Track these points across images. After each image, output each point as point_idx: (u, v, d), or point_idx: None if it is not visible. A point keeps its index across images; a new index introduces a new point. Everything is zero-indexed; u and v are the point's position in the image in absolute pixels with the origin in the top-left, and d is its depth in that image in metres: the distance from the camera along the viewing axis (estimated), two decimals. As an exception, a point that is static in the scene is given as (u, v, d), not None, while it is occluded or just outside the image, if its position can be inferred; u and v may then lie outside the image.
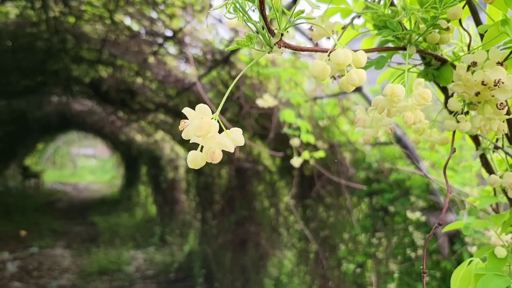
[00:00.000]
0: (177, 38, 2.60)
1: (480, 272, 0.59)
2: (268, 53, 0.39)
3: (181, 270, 6.11)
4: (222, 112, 3.45)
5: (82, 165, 21.65)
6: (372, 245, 2.87)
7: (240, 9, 0.37)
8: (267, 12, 0.38)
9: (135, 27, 2.76)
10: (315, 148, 2.58)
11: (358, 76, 0.40)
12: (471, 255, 2.10)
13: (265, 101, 1.82)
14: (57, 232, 8.17)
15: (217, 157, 0.35)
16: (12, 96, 4.87)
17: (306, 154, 1.86)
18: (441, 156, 2.49)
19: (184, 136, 0.36)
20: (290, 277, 4.58)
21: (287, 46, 0.38)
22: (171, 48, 2.96)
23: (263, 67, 2.69)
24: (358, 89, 2.06)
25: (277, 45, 0.39)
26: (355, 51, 0.40)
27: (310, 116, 2.77)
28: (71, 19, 2.78)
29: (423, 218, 2.34)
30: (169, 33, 2.61)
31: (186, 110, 0.36)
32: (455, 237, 2.21)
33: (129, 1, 2.31)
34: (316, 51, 0.43)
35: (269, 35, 0.38)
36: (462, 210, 2.24)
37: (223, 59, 2.57)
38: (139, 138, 7.44)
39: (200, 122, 0.34)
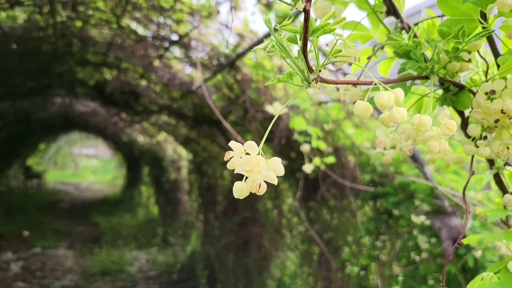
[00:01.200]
0: (183, 42, 2.62)
1: (494, 287, 0.61)
2: (306, 87, 0.41)
3: (184, 271, 6.13)
4: (226, 115, 3.47)
5: (84, 165, 21.69)
6: (376, 248, 2.89)
7: (281, 48, 0.39)
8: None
9: (142, 31, 2.78)
10: (320, 152, 2.60)
11: (400, 115, 0.42)
12: (475, 260, 2.12)
13: (274, 109, 1.84)
14: (59, 232, 8.19)
15: (263, 189, 0.37)
16: (17, 97, 4.89)
17: (317, 160, 1.88)
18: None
19: (229, 166, 0.38)
20: (293, 279, 4.60)
21: (324, 81, 0.41)
22: (177, 51, 2.98)
23: (269, 71, 2.71)
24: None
25: (314, 80, 0.41)
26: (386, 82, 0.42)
27: (315, 120, 2.79)
28: (78, 23, 2.80)
29: (427, 222, 2.36)
30: (175, 37, 2.63)
31: (232, 144, 0.39)
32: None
33: (137, 6, 2.33)
34: (356, 84, 0.45)
35: (308, 71, 0.39)
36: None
37: (229, 63, 2.59)
38: (141, 139, 7.46)
39: (249, 158, 0.37)
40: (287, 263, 4.87)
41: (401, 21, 0.52)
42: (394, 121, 0.42)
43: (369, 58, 0.52)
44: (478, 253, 2.08)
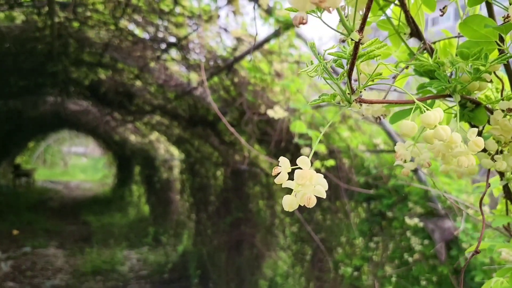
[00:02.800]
0: (181, 44, 2.63)
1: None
2: (347, 108, 0.44)
3: (175, 270, 6.13)
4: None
5: (73, 163, 21.47)
6: (370, 249, 2.93)
7: (326, 71, 0.42)
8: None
9: (139, 33, 2.78)
10: (315, 154, 2.64)
11: (445, 132, 0.44)
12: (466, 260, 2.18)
13: (275, 113, 1.87)
14: (50, 231, 8.11)
15: (313, 203, 0.38)
16: (9, 96, 4.84)
17: (317, 163, 1.92)
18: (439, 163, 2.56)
19: (277, 181, 0.40)
20: (285, 279, 4.64)
21: (364, 101, 0.44)
22: (174, 53, 2.99)
23: (266, 74, 2.74)
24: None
25: (355, 101, 0.44)
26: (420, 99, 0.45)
27: (311, 122, 2.83)
28: (76, 24, 2.79)
29: (420, 224, 2.41)
30: (173, 39, 2.64)
31: (281, 160, 0.41)
32: (452, 243, 2.29)
33: (137, 9, 2.34)
34: (397, 103, 0.48)
35: (350, 93, 0.43)
36: (459, 216, 2.31)
37: (227, 66, 2.61)
38: (133, 138, 7.43)
39: (302, 172, 0.38)
40: (279, 263, 4.91)
41: (424, 43, 0.55)
42: (440, 139, 0.45)
43: (394, 77, 0.56)
44: (470, 255, 2.13)
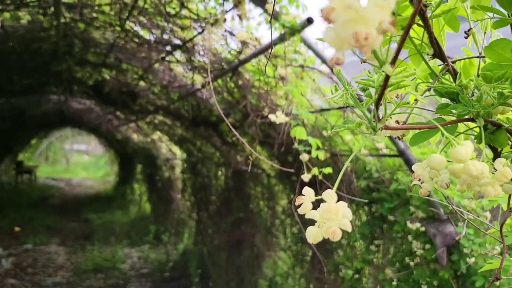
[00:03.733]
0: (186, 47, 2.64)
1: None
2: (372, 135, 0.44)
3: (176, 269, 6.16)
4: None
5: (75, 161, 21.52)
6: (370, 252, 2.95)
7: (353, 99, 0.43)
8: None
9: (145, 34, 2.80)
10: (317, 158, 2.65)
11: (475, 168, 0.43)
12: (468, 266, 2.20)
13: (277, 118, 1.89)
14: (51, 229, 8.14)
15: (338, 236, 0.38)
16: (12, 95, 4.86)
17: (315, 171, 1.93)
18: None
19: (301, 211, 0.40)
20: (285, 279, 4.67)
21: (390, 128, 0.44)
22: (179, 55, 3.00)
23: (270, 77, 2.75)
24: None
25: (381, 129, 0.44)
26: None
27: (314, 126, 2.85)
28: (81, 25, 2.80)
29: (422, 228, 2.42)
30: (178, 41, 2.66)
31: (305, 190, 0.41)
32: (453, 248, 2.30)
33: (142, 11, 2.35)
34: (422, 128, 0.48)
35: (376, 121, 0.43)
36: (461, 222, 2.33)
37: (232, 69, 2.63)
38: (135, 137, 7.45)
39: (328, 206, 0.38)
40: (279, 264, 4.93)
41: (447, 64, 0.56)
42: (469, 175, 0.43)
43: (416, 101, 0.56)
44: (471, 260, 2.15)
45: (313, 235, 0.39)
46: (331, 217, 0.37)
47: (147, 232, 7.60)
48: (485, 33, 0.68)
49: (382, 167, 2.89)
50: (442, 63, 0.59)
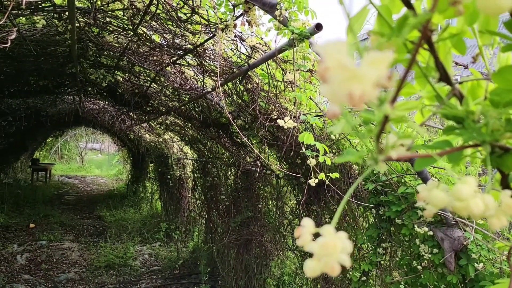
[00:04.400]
0: (197, 51, 2.69)
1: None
2: (373, 166, 0.44)
3: (186, 266, 6.24)
4: (234, 120, 3.56)
5: (89, 159, 21.85)
6: (378, 254, 2.97)
7: (355, 130, 0.43)
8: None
9: (157, 38, 2.85)
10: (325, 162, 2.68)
11: (478, 208, 0.41)
12: (477, 271, 2.21)
13: (285, 123, 1.92)
14: (65, 225, 8.31)
15: (337, 271, 0.36)
16: (29, 95, 4.98)
17: (322, 175, 1.96)
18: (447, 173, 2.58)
19: (299, 243, 0.38)
20: (293, 278, 4.70)
21: (391, 159, 0.43)
22: (190, 58, 3.06)
23: (279, 81, 2.78)
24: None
25: (382, 161, 0.43)
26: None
27: (322, 128, 2.87)
28: (95, 30, 2.88)
29: (430, 233, 2.43)
30: (189, 46, 2.70)
31: (304, 222, 0.39)
32: (461, 252, 2.31)
33: (155, 16, 2.41)
34: (423, 157, 0.47)
35: (378, 153, 0.43)
36: (469, 227, 2.34)
37: (242, 73, 2.67)
38: (147, 136, 7.55)
39: (326, 242, 0.36)
40: (287, 263, 4.97)
41: (454, 89, 0.54)
42: (470, 214, 0.42)
43: (421, 124, 0.56)
44: (480, 265, 2.16)
45: (311, 269, 0.36)
46: (329, 253, 0.36)
47: (158, 230, 7.70)
48: (493, 53, 0.67)
49: (389, 170, 2.90)
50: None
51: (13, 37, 1.32)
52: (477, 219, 0.48)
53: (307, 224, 0.38)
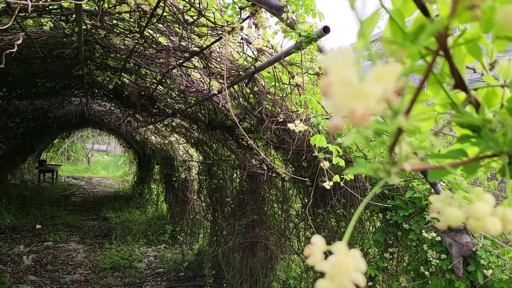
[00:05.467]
0: (203, 53, 2.69)
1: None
2: (386, 178, 0.42)
3: (191, 269, 6.23)
4: (240, 122, 3.55)
5: (95, 160, 21.98)
6: (385, 259, 2.93)
7: (367, 142, 0.42)
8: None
9: (163, 41, 2.86)
10: (333, 165, 2.66)
11: (494, 228, 0.39)
12: (485, 277, 2.17)
13: (295, 126, 1.91)
14: (71, 227, 8.34)
15: None
16: (36, 97, 5.02)
17: (337, 177, 1.95)
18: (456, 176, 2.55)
19: (310, 263, 0.37)
20: (298, 282, 4.67)
21: (405, 171, 0.41)
22: (196, 61, 3.05)
23: (286, 84, 2.77)
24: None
25: (395, 173, 0.41)
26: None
27: (329, 132, 2.85)
28: (102, 32, 2.88)
29: (438, 238, 2.40)
30: (196, 48, 2.70)
31: (314, 239, 0.38)
32: (470, 258, 2.28)
33: (161, 18, 2.41)
34: (437, 168, 0.45)
35: (391, 165, 0.41)
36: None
37: (248, 76, 2.66)
38: (153, 138, 7.57)
39: (338, 261, 0.34)
40: (292, 267, 4.94)
41: (469, 96, 0.52)
42: (487, 232, 0.40)
43: (436, 134, 0.54)
44: (489, 272, 2.13)
45: None
46: (341, 272, 0.34)
47: (163, 232, 7.71)
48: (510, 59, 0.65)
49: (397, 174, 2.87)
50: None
51: (19, 42, 1.33)
52: (494, 235, 0.46)
53: (318, 241, 0.37)
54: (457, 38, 0.48)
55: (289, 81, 2.64)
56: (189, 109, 4.15)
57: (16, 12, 1.54)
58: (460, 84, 0.53)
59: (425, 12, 0.42)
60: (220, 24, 2.30)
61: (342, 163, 1.89)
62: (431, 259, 2.44)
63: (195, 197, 7.14)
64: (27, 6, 1.22)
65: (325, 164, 1.93)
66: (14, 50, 1.34)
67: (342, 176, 2.04)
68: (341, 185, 2.74)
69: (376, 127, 0.40)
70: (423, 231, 2.48)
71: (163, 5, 2.30)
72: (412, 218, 2.66)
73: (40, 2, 1.91)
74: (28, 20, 2.74)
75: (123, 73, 3.82)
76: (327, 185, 1.91)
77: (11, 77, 3.90)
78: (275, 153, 4.01)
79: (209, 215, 6.51)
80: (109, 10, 2.61)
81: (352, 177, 2.04)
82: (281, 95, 2.80)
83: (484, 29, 0.51)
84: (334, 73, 0.30)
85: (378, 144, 0.39)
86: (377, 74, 0.30)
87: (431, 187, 2.45)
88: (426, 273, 2.49)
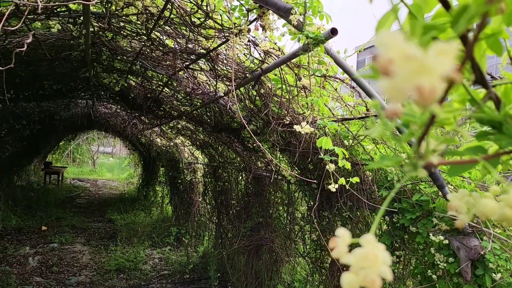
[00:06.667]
0: (210, 56, 2.69)
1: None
2: (412, 172, 0.41)
3: (196, 271, 6.22)
4: (246, 124, 3.54)
5: (101, 162, 22.07)
6: (392, 262, 2.91)
7: (393, 135, 0.41)
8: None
9: (170, 43, 2.86)
10: (338, 167, 2.65)
11: None
12: (494, 281, 2.15)
13: (302, 128, 1.90)
14: (76, 228, 8.37)
15: (378, 285, 0.33)
16: (43, 99, 5.05)
17: (342, 180, 1.94)
18: (465, 180, 2.53)
19: (335, 255, 0.35)
20: (304, 285, 4.65)
21: (432, 165, 0.41)
22: (202, 63, 3.06)
23: (292, 86, 2.77)
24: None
25: (422, 166, 0.41)
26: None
27: (335, 135, 2.84)
28: (109, 34, 2.90)
29: (446, 241, 2.38)
30: (202, 50, 2.71)
31: (339, 231, 0.37)
32: (478, 262, 2.25)
33: (168, 20, 2.42)
34: (464, 163, 0.45)
35: (418, 158, 0.40)
36: (486, 235, 2.28)
37: (255, 78, 2.65)
38: (159, 140, 7.59)
39: (365, 253, 0.33)
40: (298, 270, 4.92)
41: (490, 92, 0.51)
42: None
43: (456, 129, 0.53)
44: (497, 276, 2.10)
45: (348, 283, 0.33)
46: (369, 265, 0.33)
47: (168, 234, 7.71)
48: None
49: (404, 177, 2.86)
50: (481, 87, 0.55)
51: (29, 41, 1.33)
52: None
53: (343, 234, 0.36)
54: (478, 33, 0.47)
55: (296, 83, 2.64)
56: (194, 112, 4.15)
57: (25, 14, 1.55)
58: (480, 80, 0.51)
59: (445, 3, 0.41)
60: (227, 26, 2.30)
61: (348, 165, 1.88)
62: (438, 262, 2.41)
63: (200, 199, 7.14)
64: (37, 7, 1.22)
65: (331, 167, 1.92)
66: (24, 49, 1.35)
67: (347, 179, 2.03)
68: (347, 188, 2.73)
69: (406, 118, 0.38)
70: (431, 234, 2.46)
71: (170, 7, 2.31)
72: (419, 221, 2.64)
73: (50, 3, 1.92)
74: (36, 22, 2.76)
75: (129, 75, 3.84)
76: (333, 187, 1.90)
77: (18, 80, 3.92)
78: (280, 156, 4.00)
79: (214, 218, 6.50)
80: (116, 12, 2.62)
81: (358, 180, 2.03)
82: (287, 97, 2.79)
83: (507, 22, 0.50)
84: (394, 49, 0.28)
85: (408, 135, 0.38)
86: (438, 50, 0.29)
87: (439, 189, 2.44)
88: (434, 276, 2.46)
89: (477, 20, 0.37)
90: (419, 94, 0.28)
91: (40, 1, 1.41)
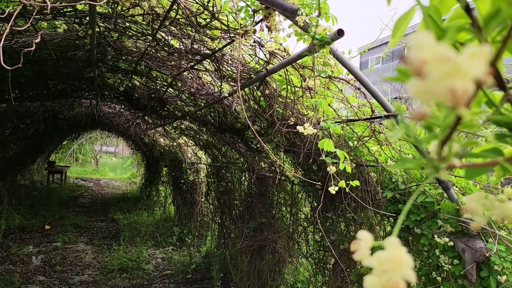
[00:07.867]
0: (215, 56, 2.69)
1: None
2: (432, 174, 0.40)
3: (198, 271, 6.23)
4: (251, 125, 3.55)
5: (104, 162, 22.12)
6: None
7: (415, 138, 0.41)
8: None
9: (175, 43, 2.87)
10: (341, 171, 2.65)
11: None
12: (498, 283, 2.14)
13: (305, 129, 1.90)
14: (79, 228, 8.39)
15: None
16: (47, 99, 5.06)
17: (342, 183, 1.94)
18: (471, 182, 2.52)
19: (357, 257, 0.35)
20: (306, 286, 4.65)
21: (454, 167, 0.40)
22: (207, 64, 3.06)
23: (297, 87, 2.77)
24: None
25: (443, 168, 0.40)
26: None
27: (340, 136, 2.84)
28: (114, 34, 2.91)
29: (451, 243, 2.37)
30: (208, 51, 2.71)
31: (360, 234, 0.37)
32: (483, 264, 2.25)
33: (174, 21, 2.42)
34: (485, 166, 0.44)
35: (439, 160, 0.40)
36: (491, 237, 2.27)
37: (259, 78, 2.65)
38: (162, 140, 7.60)
39: (391, 255, 0.33)
40: (300, 270, 4.92)
41: (508, 94, 0.51)
42: None
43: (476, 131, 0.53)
44: (503, 278, 2.10)
45: (372, 286, 0.33)
46: (394, 268, 0.32)
47: (171, 234, 7.72)
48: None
49: (408, 178, 2.85)
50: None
51: (38, 40, 1.34)
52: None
53: (365, 237, 0.36)
54: (495, 35, 0.47)
55: (301, 84, 2.64)
56: (198, 112, 4.16)
57: (33, 14, 1.55)
58: (498, 82, 0.51)
59: (467, 10, 0.40)
60: (233, 27, 2.30)
61: (348, 169, 1.88)
62: (443, 264, 2.41)
63: (203, 200, 7.14)
64: (46, 7, 1.23)
65: (332, 169, 1.92)
66: (33, 48, 1.35)
67: (348, 182, 2.03)
68: (351, 189, 2.73)
69: (430, 122, 0.38)
70: (435, 235, 2.46)
71: (176, 8, 2.31)
72: (424, 222, 2.63)
73: (57, 4, 1.93)
74: (43, 22, 2.77)
75: (134, 76, 3.85)
76: (333, 190, 1.90)
77: (23, 79, 3.94)
78: (284, 156, 4.00)
79: (217, 218, 6.51)
80: (122, 12, 2.62)
81: (358, 184, 2.03)
82: (292, 98, 2.79)
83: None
84: (428, 51, 0.28)
85: (429, 138, 0.38)
86: (471, 52, 0.29)
87: (444, 191, 2.43)
88: (438, 278, 2.46)
89: (508, 23, 0.37)
90: (452, 96, 0.28)
91: (49, 2, 1.42)
